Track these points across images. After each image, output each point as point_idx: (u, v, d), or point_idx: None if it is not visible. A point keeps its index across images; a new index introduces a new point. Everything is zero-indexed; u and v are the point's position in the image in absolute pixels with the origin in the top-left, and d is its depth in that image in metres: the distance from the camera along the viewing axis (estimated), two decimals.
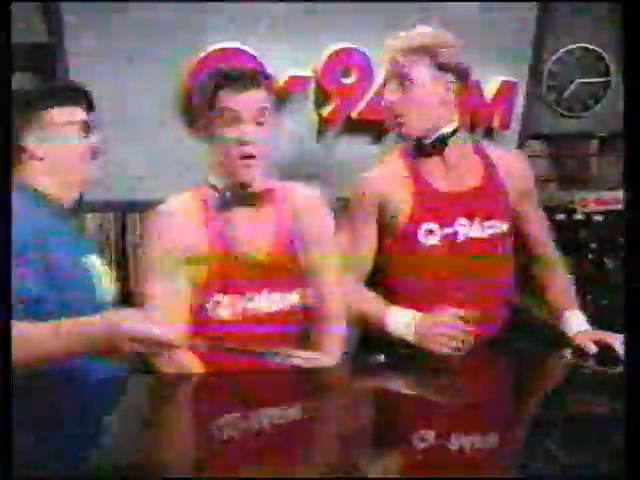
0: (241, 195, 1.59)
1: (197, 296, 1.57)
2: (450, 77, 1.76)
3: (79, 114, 1.59)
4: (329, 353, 1.63)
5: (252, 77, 1.57)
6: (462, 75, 1.79)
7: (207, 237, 1.58)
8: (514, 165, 1.85)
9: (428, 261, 1.77)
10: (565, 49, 2.82)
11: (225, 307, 1.57)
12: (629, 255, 1.24)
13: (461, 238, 1.78)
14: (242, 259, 1.58)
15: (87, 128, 1.59)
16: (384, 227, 1.81)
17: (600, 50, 2.83)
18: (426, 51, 1.74)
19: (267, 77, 1.63)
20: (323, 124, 2.65)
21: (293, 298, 1.62)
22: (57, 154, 1.55)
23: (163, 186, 2.57)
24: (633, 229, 1.18)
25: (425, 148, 1.78)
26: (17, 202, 1.39)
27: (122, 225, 2.72)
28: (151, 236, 1.62)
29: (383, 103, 1.80)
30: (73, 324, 1.31)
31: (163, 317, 1.41)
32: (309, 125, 2.64)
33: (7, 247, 1.18)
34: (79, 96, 1.62)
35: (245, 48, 2.49)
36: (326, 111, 2.61)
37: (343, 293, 1.70)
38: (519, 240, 1.86)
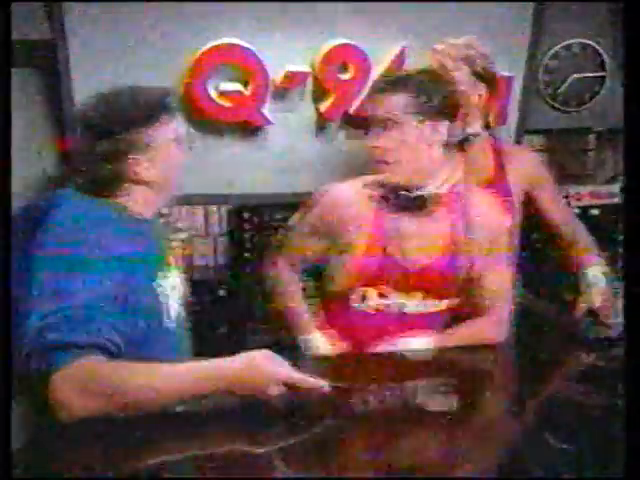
0: (409, 197, 1.57)
1: (344, 282, 1.62)
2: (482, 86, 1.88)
3: (175, 127, 1.43)
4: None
5: (394, 83, 1.56)
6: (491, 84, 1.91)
7: (370, 230, 1.58)
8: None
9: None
10: (561, 44, 2.82)
11: (370, 301, 1.61)
12: (629, 254, 1.24)
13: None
14: (403, 261, 1.58)
15: (184, 141, 1.46)
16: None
17: (596, 45, 2.83)
18: (468, 60, 1.84)
19: (405, 84, 1.56)
20: (321, 119, 2.67)
21: (442, 304, 1.62)
22: (164, 173, 1.41)
23: None
24: (632, 226, 1.18)
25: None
26: (110, 224, 1.32)
27: None
28: (319, 207, 1.64)
29: None
30: (213, 366, 1.21)
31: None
32: (307, 120, 2.66)
33: (7, 247, 1.17)
34: (176, 107, 1.46)
35: (244, 44, 2.51)
36: (324, 106, 2.63)
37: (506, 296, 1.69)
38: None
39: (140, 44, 2.49)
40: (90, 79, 2.46)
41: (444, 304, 1.64)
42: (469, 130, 1.88)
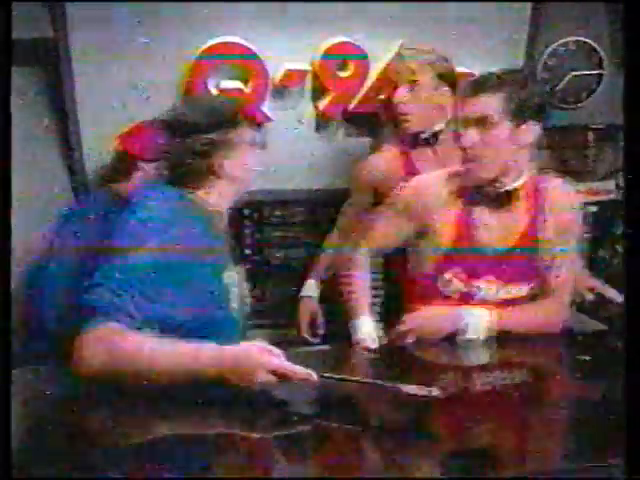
0: (494, 193, 1.69)
1: (430, 268, 1.75)
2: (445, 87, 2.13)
3: (254, 131, 1.67)
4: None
5: (489, 84, 1.64)
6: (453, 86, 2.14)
7: (455, 219, 1.72)
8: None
9: None
10: (559, 42, 2.84)
11: (454, 287, 1.72)
12: (629, 253, 1.26)
13: None
14: (485, 251, 1.71)
15: (260, 145, 1.68)
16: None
17: (594, 43, 2.85)
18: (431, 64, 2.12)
19: (500, 85, 1.64)
20: (320, 117, 2.69)
21: (522, 291, 1.73)
22: (242, 169, 1.63)
23: None
24: (633, 224, 1.21)
25: None
26: (183, 213, 1.51)
27: None
28: (407, 194, 1.81)
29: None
30: (215, 349, 1.30)
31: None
32: (307, 118, 2.68)
33: (7, 246, 1.21)
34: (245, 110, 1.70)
35: (244, 43, 2.53)
36: (323, 104, 2.65)
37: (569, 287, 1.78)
38: None
39: (141, 43, 2.51)
40: (92, 78, 2.50)
41: (523, 291, 1.74)
42: (436, 128, 2.16)
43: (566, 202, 1.75)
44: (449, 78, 2.17)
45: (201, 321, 1.43)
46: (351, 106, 2.66)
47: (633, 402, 1.09)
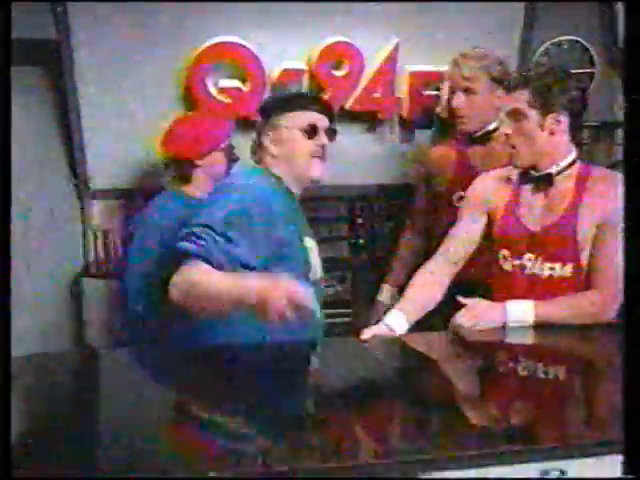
0: (535, 176, 1.88)
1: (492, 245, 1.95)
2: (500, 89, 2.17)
3: (307, 118, 1.80)
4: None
5: (520, 81, 1.83)
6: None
7: (506, 202, 1.92)
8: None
9: None
10: (552, 41, 2.89)
11: (508, 262, 1.90)
12: (629, 252, 1.28)
13: None
14: (527, 230, 1.87)
15: (313, 131, 1.80)
16: None
17: (586, 42, 2.90)
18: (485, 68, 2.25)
19: (530, 82, 1.81)
20: None
21: (566, 270, 1.84)
22: (287, 152, 1.80)
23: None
24: (633, 224, 1.24)
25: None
26: (262, 182, 1.74)
27: None
28: (471, 187, 2.03)
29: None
30: (248, 277, 1.53)
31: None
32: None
33: (7, 246, 1.24)
34: (308, 102, 1.86)
35: (243, 42, 2.59)
36: None
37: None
38: None
39: (142, 43, 2.58)
40: (93, 77, 2.56)
41: (567, 271, 1.84)
42: (490, 127, 2.31)
43: (612, 193, 1.81)
44: (503, 80, 2.18)
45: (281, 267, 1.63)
46: (347, 104, 2.71)
47: (633, 402, 1.12)
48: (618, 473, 1.14)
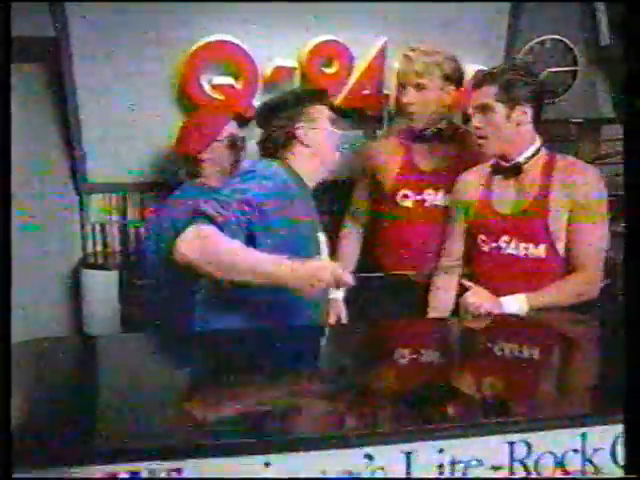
0: (505, 166, 2.01)
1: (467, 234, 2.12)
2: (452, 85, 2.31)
3: (327, 111, 1.93)
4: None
5: (487, 77, 1.98)
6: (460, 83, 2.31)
7: (479, 194, 2.07)
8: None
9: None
10: (536, 40, 2.98)
11: (486, 245, 2.04)
12: (629, 252, 1.29)
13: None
14: (500, 214, 2.01)
15: (335, 122, 1.93)
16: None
17: (568, 41, 2.99)
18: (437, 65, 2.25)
19: (496, 78, 1.95)
20: None
21: (540, 250, 1.96)
22: (318, 141, 1.88)
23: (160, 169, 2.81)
24: (633, 224, 1.27)
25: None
26: (282, 172, 1.80)
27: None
28: (455, 188, 2.18)
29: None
30: (295, 262, 1.61)
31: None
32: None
33: (7, 245, 1.27)
34: (326, 98, 1.99)
35: (236, 41, 2.66)
36: None
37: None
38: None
39: (139, 41, 2.64)
40: (91, 74, 2.64)
41: (541, 251, 1.96)
42: (439, 125, 2.32)
43: (579, 179, 1.94)
44: (455, 77, 2.29)
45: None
46: (337, 101, 2.77)
47: (633, 402, 1.17)
48: (578, 445, 1.24)
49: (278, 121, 1.88)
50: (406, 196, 2.33)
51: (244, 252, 1.62)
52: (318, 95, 1.97)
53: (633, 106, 1.28)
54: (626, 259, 1.33)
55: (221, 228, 1.60)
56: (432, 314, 2.17)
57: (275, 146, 1.89)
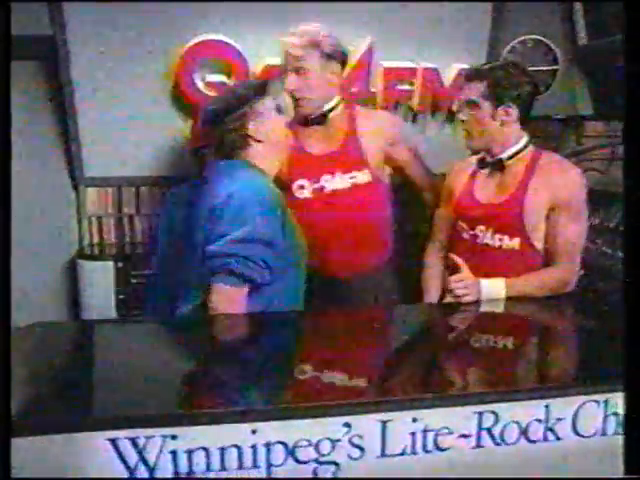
0: (489, 161, 2.09)
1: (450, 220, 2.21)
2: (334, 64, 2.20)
3: (273, 101, 1.96)
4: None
5: (475, 74, 2.02)
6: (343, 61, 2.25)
7: (463, 183, 2.16)
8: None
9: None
10: (518, 40, 3.06)
11: (465, 232, 2.12)
12: (629, 252, 1.31)
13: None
14: (479, 204, 2.08)
15: (279, 110, 1.98)
16: None
17: (549, 41, 3.08)
18: (315, 44, 2.15)
19: (483, 75, 2.00)
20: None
21: (514, 242, 2.03)
22: (270, 132, 1.93)
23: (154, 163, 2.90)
24: (633, 223, 1.27)
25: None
26: (251, 174, 1.87)
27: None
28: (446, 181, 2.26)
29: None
30: None
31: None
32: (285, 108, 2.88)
33: (7, 245, 1.29)
34: (269, 88, 1.99)
35: (228, 40, 2.74)
36: None
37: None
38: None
39: (134, 39, 2.71)
40: (88, 71, 2.71)
41: (515, 244, 2.03)
42: (326, 106, 2.25)
43: (560, 177, 1.99)
44: (338, 55, 2.20)
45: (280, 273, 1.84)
46: None
47: (633, 402, 1.21)
48: (542, 415, 1.35)
49: (229, 123, 1.91)
50: (302, 187, 2.26)
51: None
52: (261, 88, 1.98)
53: (633, 105, 1.28)
54: (626, 259, 1.33)
55: (244, 279, 1.78)
56: (425, 297, 2.23)
57: (231, 147, 1.93)
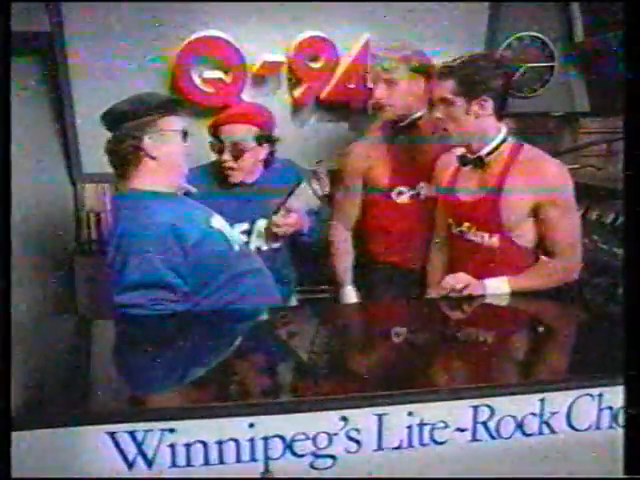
0: (469, 159, 2.07)
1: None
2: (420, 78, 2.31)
3: (180, 123, 1.87)
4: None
5: (445, 71, 1.99)
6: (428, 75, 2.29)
7: (449, 178, 2.16)
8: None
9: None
10: (515, 37, 3.08)
11: (453, 228, 2.13)
12: (629, 252, 1.31)
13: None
14: (461, 202, 2.08)
15: (185, 135, 1.88)
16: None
17: (545, 38, 3.09)
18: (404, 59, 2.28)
19: (454, 72, 1.97)
20: (295, 104, 2.92)
21: (494, 240, 2.03)
22: (167, 153, 1.83)
23: None
24: (633, 223, 1.28)
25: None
26: (142, 204, 1.78)
27: None
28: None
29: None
30: None
31: None
32: (282, 105, 2.90)
33: (7, 245, 1.29)
34: (179, 107, 1.91)
35: (225, 37, 2.75)
36: (297, 93, 2.88)
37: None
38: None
39: (132, 36, 2.71)
40: (85, 67, 2.72)
41: (495, 241, 2.03)
42: (414, 115, 2.34)
43: (542, 172, 1.96)
44: (423, 70, 2.31)
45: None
46: (323, 94, 2.89)
47: (633, 403, 1.22)
48: (537, 409, 1.36)
49: (126, 130, 1.80)
50: (401, 193, 2.39)
51: None
52: (170, 105, 1.88)
53: (633, 106, 1.28)
54: (626, 260, 1.32)
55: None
56: (430, 292, 2.24)
57: (122, 161, 1.82)
